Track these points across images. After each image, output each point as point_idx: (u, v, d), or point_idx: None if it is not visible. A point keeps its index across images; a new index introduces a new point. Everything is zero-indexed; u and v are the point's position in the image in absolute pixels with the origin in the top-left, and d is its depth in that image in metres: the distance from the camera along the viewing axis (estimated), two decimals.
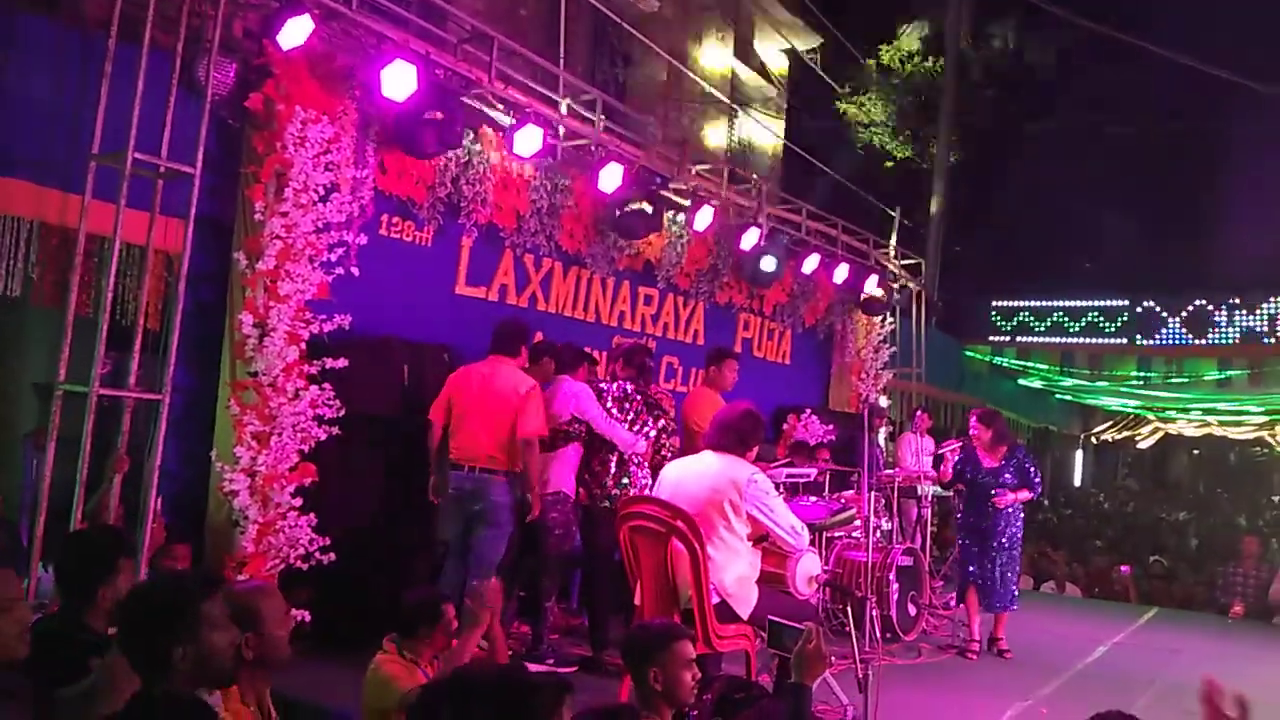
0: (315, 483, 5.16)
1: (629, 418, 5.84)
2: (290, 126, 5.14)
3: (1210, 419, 20.75)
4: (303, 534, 5.10)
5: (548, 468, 5.69)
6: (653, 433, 5.86)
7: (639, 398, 5.90)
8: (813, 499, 6.84)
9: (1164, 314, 16.20)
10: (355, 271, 5.37)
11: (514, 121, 6.29)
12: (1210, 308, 15.91)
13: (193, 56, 4.93)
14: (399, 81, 5.37)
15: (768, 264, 8.48)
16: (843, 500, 7.04)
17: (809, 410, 9.28)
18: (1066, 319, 17.16)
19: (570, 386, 5.81)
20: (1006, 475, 6.78)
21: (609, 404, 5.86)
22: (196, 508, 5.18)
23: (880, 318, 10.90)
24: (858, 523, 6.73)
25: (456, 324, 6.40)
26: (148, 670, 2.39)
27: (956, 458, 7.04)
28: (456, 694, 2.48)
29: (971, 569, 6.89)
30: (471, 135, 6.21)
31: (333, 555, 5.15)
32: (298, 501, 5.09)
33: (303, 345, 5.15)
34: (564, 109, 6.82)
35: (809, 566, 4.59)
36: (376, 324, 5.71)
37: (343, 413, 5.22)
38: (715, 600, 4.30)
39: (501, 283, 6.95)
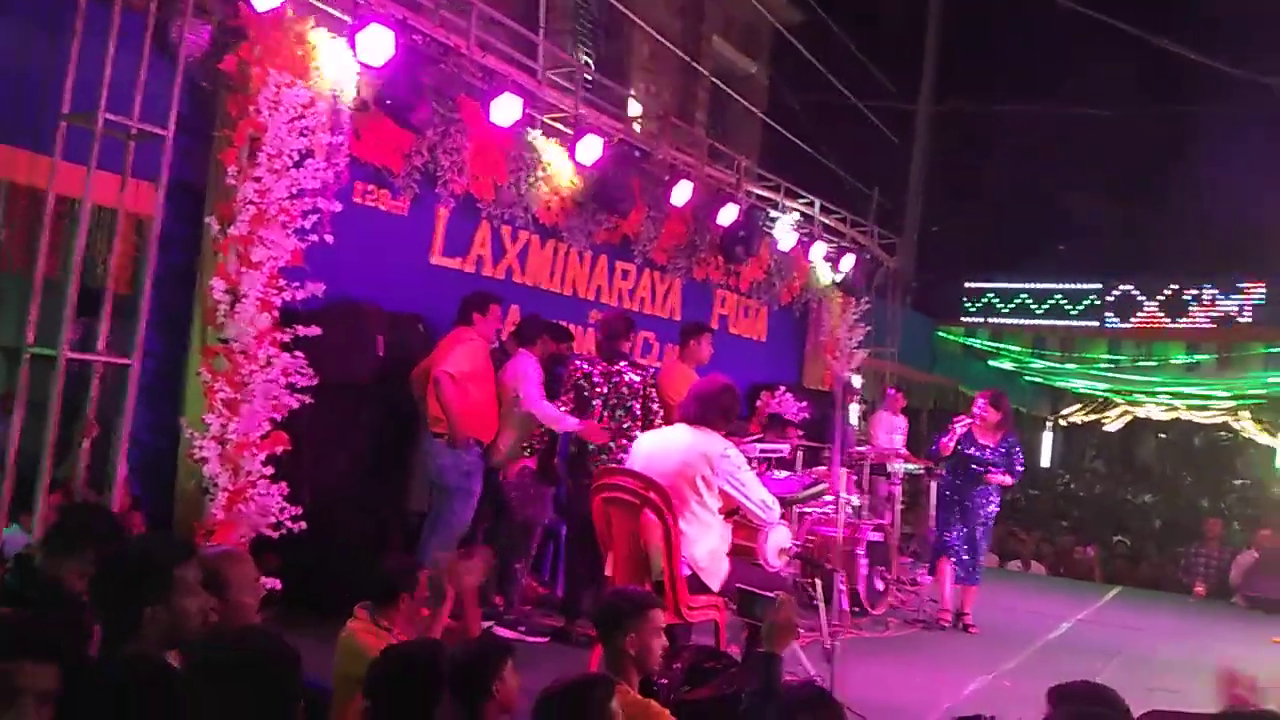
0: (287, 451, 5.13)
1: (602, 390, 5.77)
2: (264, 90, 5.07)
3: (1178, 403, 21.02)
4: (273, 502, 5.08)
5: (504, 440, 5.76)
6: (632, 403, 5.78)
7: (611, 370, 5.82)
8: (785, 474, 6.89)
9: (1139, 297, 16.40)
10: (329, 239, 5.32)
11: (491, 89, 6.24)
12: (1171, 293, 16.14)
13: (167, 17, 4.83)
14: (375, 46, 5.31)
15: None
16: (814, 475, 7.09)
17: (783, 387, 9.32)
18: (1038, 301, 17.32)
19: (516, 362, 5.82)
20: (995, 455, 7.01)
21: (583, 382, 5.78)
22: (165, 475, 5.14)
23: (855, 297, 10.95)
24: (828, 498, 6.78)
25: (432, 294, 6.37)
26: (117, 630, 2.39)
27: (962, 434, 7.13)
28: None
29: (950, 541, 7.03)
30: (449, 103, 6.15)
31: (304, 524, 5.13)
32: (269, 470, 5.07)
33: (275, 312, 5.11)
34: (541, 78, 6.76)
35: (779, 539, 4.63)
36: (350, 293, 5.68)
37: (316, 381, 5.19)
38: (686, 572, 4.33)
39: (478, 254, 6.91)
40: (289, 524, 5.10)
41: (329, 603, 4.90)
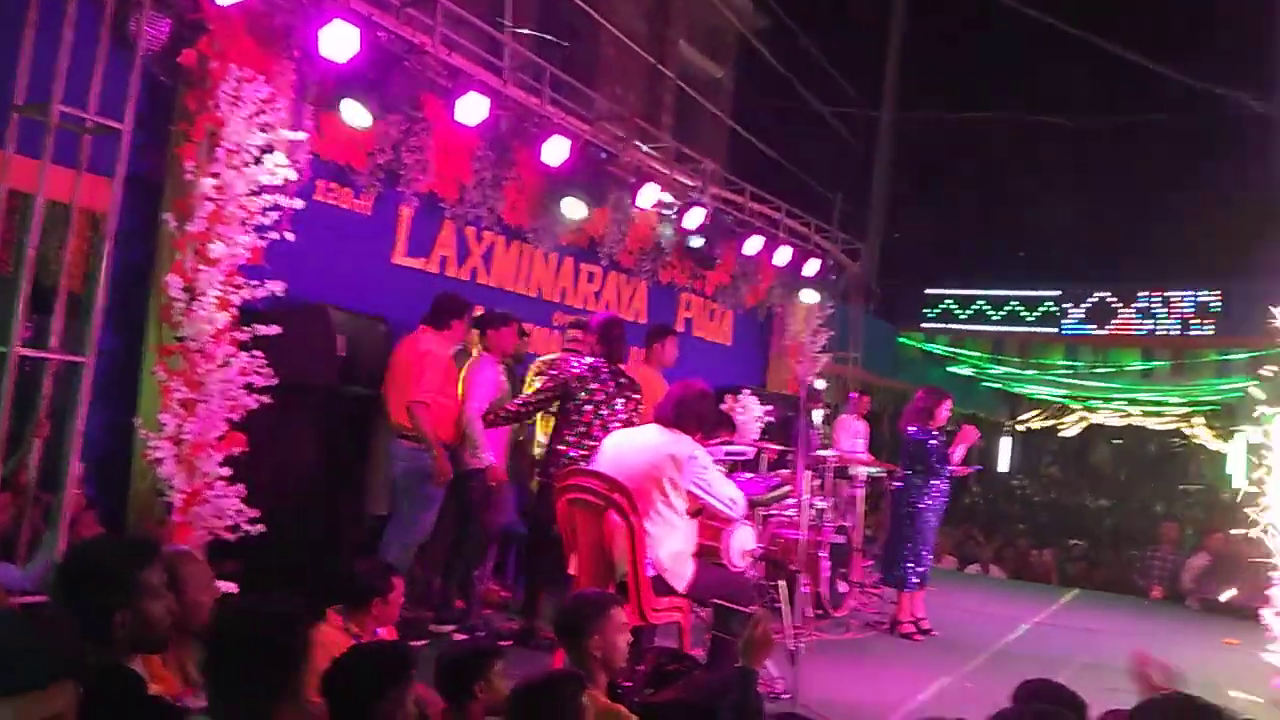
0: (245, 453, 5.04)
1: (598, 397, 5.50)
2: (224, 85, 4.98)
3: (1132, 409, 21.41)
4: (231, 505, 4.98)
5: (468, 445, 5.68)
6: (620, 409, 5.53)
7: (607, 374, 5.56)
8: (749, 476, 6.89)
9: (1081, 305, 16.66)
10: (290, 237, 5.23)
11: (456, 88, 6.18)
12: (1125, 300, 16.42)
13: (125, 9, 4.74)
14: (339, 42, 5.25)
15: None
16: (778, 478, 7.11)
17: (748, 391, 9.34)
18: (996, 308, 17.55)
19: (473, 369, 5.75)
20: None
21: (572, 382, 5.51)
22: (119, 476, 5.03)
23: (819, 302, 11.00)
24: (792, 500, 6.80)
25: (394, 295, 6.30)
26: (86, 636, 2.32)
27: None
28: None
29: (931, 549, 7.08)
30: (413, 101, 6.10)
31: (262, 527, 5.04)
32: (226, 471, 4.96)
33: (233, 311, 5.00)
34: (507, 78, 6.72)
35: (743, 540, 4.62)
36: (311, 292, 5.59)
37: (275, 382, 5.10)
38: (650, 573, 4.31)
39: (441, 254, 6.86)
40: (246, 527, 5.01)
41: None
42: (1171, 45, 13.90)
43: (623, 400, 5.55)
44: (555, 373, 5.65)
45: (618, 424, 5.47)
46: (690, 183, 8.78)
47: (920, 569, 6.98)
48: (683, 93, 12.20)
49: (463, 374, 5.85)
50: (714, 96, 13.03)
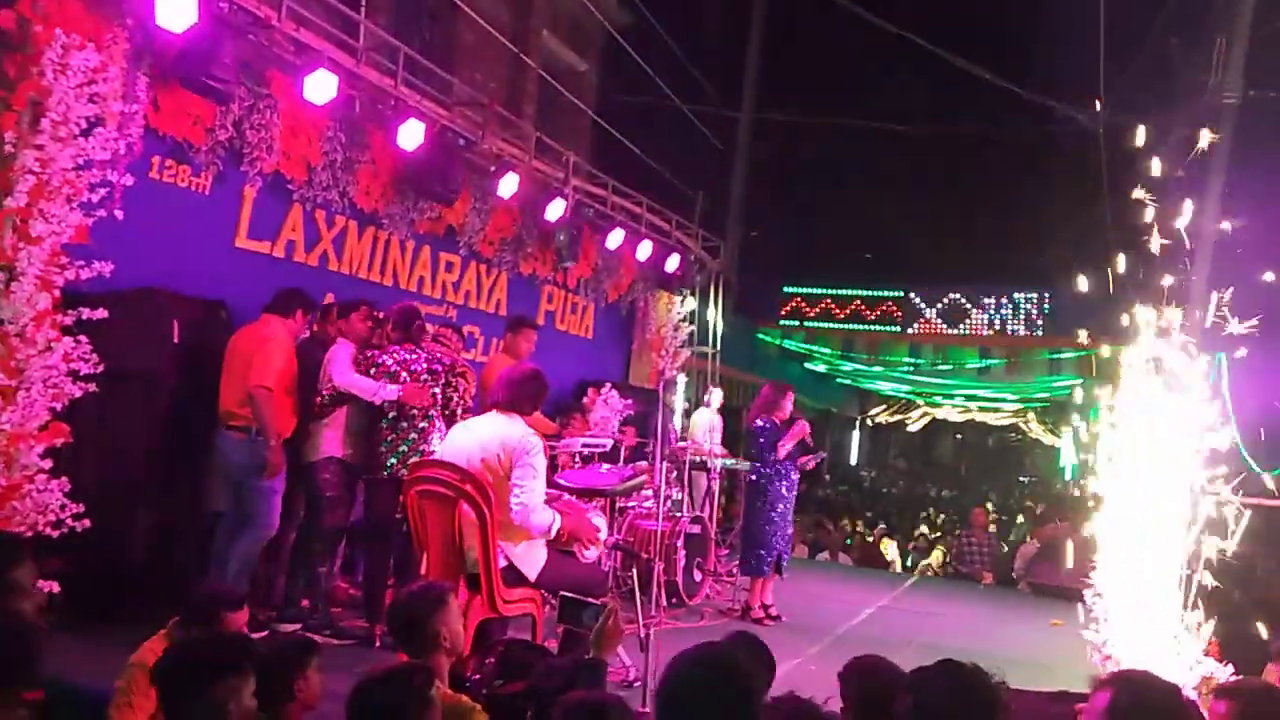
0: (68, 444, 4.72)
1: (425, 380, 5.55)
2: (49, 51, 4.64)
3: (971, 405, 22.58)
4: (53, 499, 4.65)
5: (319, 433, 5.53)
6: (435, 390, 5.58)
7: (417, 363, 5.58)
8: (607, 467, 6.90)
9: (924, 305, 17.50)
10: (119, 215, 4.92)
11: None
12: (965, 301, 17.32)
13: None
14: (177, 11, 4.97)
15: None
16: (634, 469, 7.15)
17: (609, 385, 9.36)
18: (847, 306, 18.22)
19: (333, 349, 5.61)
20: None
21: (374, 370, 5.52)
22: None
23: (680, 296, 11.13)
24: (648, 491, 6.86)
25: (236, 279, 6.00)
26: None
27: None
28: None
29: (787, 537, 7.22)
30: (258, 77, 5.83)
31: (87, 522, 4.73)
32: (48, 463, 4.64)
33: (56, 293, 4.68)
34: (362, 58, 6.51)
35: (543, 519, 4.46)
36: (143, 275, 5.26)
37: (101, 369, 4.79)
38: (503, 563, 4.26)
39: (289, 238, 6.58)
40: (71, 522, 4.69)
41: (114, 607, 4.56)
42: (1007, 59, 14.66)
43: (433, 381, 5.57)
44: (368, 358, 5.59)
45: (438, 408, 5.57)
46: (552, 173, 8.73)
47: (770, 556, 7.14)
48: (545, 84, 12.10)
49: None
50: (577, 89, 12.97)
